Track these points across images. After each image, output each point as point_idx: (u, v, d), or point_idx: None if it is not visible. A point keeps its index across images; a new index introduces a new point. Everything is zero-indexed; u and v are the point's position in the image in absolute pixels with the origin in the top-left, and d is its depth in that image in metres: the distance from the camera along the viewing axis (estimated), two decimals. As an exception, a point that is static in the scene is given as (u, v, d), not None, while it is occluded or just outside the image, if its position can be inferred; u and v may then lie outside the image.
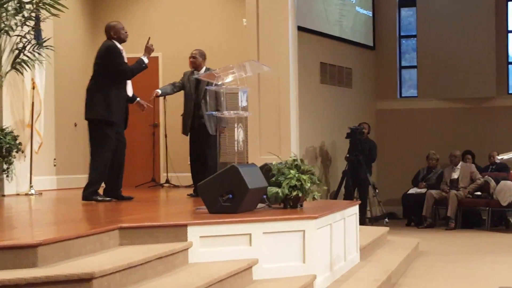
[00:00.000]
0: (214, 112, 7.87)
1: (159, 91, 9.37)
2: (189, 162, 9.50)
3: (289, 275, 5.87)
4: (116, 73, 8.09)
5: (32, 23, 10.06)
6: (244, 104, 7.13)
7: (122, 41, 8.32)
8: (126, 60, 8.26)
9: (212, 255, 5.63)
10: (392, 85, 15.46)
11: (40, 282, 4.13)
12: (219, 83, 7.12)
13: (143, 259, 4.87)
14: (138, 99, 8.58)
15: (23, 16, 9.90)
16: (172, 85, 9.40)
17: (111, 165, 8.16)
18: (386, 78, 15.44)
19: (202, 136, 9.08)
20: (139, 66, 8.19)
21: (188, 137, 9.42)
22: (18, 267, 4.35)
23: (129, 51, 13.05)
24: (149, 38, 8.51)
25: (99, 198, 8.08)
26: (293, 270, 5.92)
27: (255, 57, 10.82)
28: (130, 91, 8.37)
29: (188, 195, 9.36)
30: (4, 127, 9.88)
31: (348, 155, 13.07)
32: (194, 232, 5.60)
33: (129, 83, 8.35)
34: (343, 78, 14.26)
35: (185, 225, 5.61)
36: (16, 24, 9.85)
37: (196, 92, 9.11)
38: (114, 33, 8.27)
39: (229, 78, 7.16)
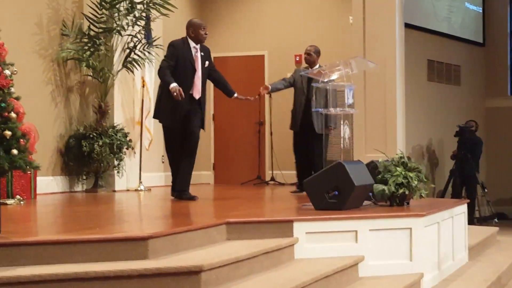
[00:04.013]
0: (320, 109, 7.86)
1: (270, 87, 9.29)
2: (294, 160, 9.53)
3: (395, 272, 5.82)
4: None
5: (142, 23, 10.32)
6: (350, 101, 7.11)
7: (198, 41, 7.96)
8: (198, 61, 7.91)
9: (318, 251, 5.65)
10: (503, 83, 15.04)
11: (151, 273, 4.25)
12: (326, 80, 7.12)
13: (250, 253, 4.92)
14: (235, 94, 8.37)
15: (134, 16, 10.16)
16: (283, 81, 9.39)
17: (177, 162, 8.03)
18: (497, 75, 15.03)
19: (310, 133, 9.08)
20: (166, 82, 7.75)
21: (293, 133, 9.44)
22: (130, 258, 4.48)
23: (235, 49, 13.30)
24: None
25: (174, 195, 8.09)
26: (399, 268, 5.86)
27: (361, 54, 10.73)
28: (196, 93, 7.92)
29: (291, 192, 9.39)
30: (115, 124, 10.17)
31: (453, 153, 12.89)
32: (300, 228, 5.63)
33: (197, 84, 7.92)
34: (451, 76, 13.99)
35: (291, 221, 5.65)
36: (127, 24, 10.12)
37: (309, 89, 9.10)
38: (193, 32, 7.97)
39: (335, 75, 7.16)
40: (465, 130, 12.82)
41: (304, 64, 9.41)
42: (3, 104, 7.44)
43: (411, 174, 6.46)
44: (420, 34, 12.81)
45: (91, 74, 10.03)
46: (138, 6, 10.17)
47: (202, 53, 8.00)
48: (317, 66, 9.12)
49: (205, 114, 8.16)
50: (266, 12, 13.47)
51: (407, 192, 6.46)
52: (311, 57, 9.20)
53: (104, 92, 10.07)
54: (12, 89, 7.74)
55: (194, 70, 7.91)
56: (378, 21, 10.97)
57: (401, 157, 6.63)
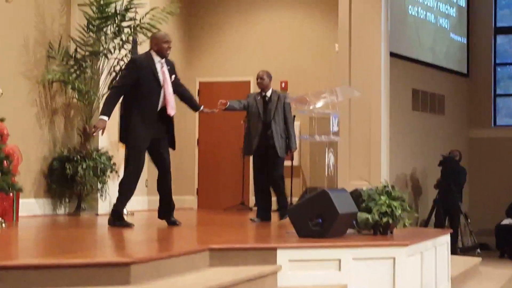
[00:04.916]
0: (306, 136, 7.86)
1: (228, 103, 9.13)
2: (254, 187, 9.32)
3: (378, 302, 5.81)
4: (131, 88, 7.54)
5: (129, 46, 10.33)
6: (335, 129, 7.12)
7: (162, 55, 7.64)
8: (166, 76, 7.61)
9: (301, 279, 5.62)
10: (486, 113, 15.15)
11: (133, 299, 4.22)
12: (311, 107, 7.14)
13: (233, 280, 4.90)
14: (202, 107, 8.32)
15: (121, 39, 10.18)
16: (238, 102, 9.29)
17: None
18: (480, 106, 15.14)
19: (270, 157, 8.96)
20: (102, 111, 7.57)
21: (253, 158, 9.30)
22: (112, 284, 4.43)
23: (220, 75, 13.32)
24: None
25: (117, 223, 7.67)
26: (382, 298, 5.85)
27: (346, 82, 10.80)
28: (171, 110, 7.63)
29: (250, 219, 9.17)
30: (99, 148, 10.13)
31: (437, 182, 12.95)
32: (283, 256, 5.60)
33: (170, 100, 7.63)
34: (436, 105, 14.08)
35: (275, 248, 5.63)
36: (114, 47, 10.13)
37: (265, 113, 9.05)
38: (155, 45, 7.65)
39: (320, 103, 7.17)
40: (448, 159, 12.88)
41: (258, 90, 9.33)
42: (-13, 126, 7.42)
43: (395, 203, 6.46)
44: (405, 63, 12.89)
45: (77, 96, 10.01)
46: (125, 30, 10.19)
47: (169, 67, 7.74)
48: (270, 90, 9.13)
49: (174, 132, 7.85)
50: (253, 39, 13.51)
51: (390, 221, 6.46)
52: (264, 81, 9.16)
53: (89, 114, 10.04)
54: (-3, 111, 7.73)
55: (160, 86, 7.59)
56: (363, 50, 11.05)
57: (385, 186, 6.64)
